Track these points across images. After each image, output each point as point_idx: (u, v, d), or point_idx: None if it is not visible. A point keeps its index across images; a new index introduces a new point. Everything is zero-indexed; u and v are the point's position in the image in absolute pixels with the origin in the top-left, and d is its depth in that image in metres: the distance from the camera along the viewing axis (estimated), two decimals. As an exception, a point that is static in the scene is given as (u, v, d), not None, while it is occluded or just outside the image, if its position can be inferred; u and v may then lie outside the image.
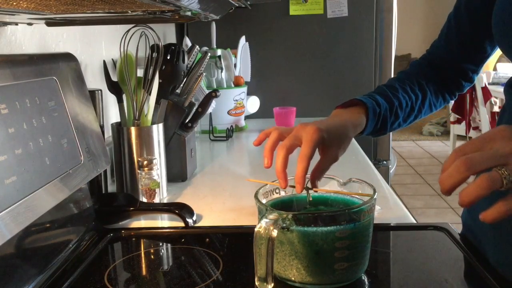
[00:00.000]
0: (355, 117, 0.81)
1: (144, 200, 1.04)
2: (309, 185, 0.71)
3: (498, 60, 5.76)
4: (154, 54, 1.10)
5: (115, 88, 1.14)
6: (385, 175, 2.21)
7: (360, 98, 0.84)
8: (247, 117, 2.12)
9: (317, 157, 0.72)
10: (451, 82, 0.96)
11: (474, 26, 0.88)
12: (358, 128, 0.82)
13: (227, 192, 1.18)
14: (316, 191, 0.73)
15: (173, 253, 0.84)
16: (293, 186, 0.69)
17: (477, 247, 0.79)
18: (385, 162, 2.28)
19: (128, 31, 1.04)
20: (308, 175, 0.70)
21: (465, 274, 0.74)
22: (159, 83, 1.15)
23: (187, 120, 1.29)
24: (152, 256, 0.83)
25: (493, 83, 4.60)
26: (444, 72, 0.95)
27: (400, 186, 4.27)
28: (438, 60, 0.96)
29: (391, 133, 2.29)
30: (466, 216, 0.87)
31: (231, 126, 1.89)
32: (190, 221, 0.95)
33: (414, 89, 0.92)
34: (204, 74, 1.42)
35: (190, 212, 0.97)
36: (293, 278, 0.66)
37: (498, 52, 0.91)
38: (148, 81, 1.10)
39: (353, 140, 1.75)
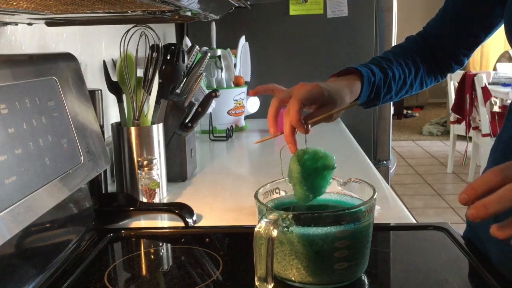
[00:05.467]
0: (351, 83, 0.82)
1: (144, 200, 1.04)
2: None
3: (498, 60, 5.76)
4: (154, 54, 1.10)
5: (115, 88, 1.14)
6: (385, 175, 2.21)
7: (356, 67, 0.86)
8: (247, 117, 2.12)
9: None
10: (442, 63, 0.98)
11: (470, 12, 0.89)
12: (354, 95, 0.83)
13: (227, 192, 1.18)
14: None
15: (173, 253, 0.84)
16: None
17: (479, 247, 0.79)
18: (385, 162, 2.28)
19: (128, 31, 1.04)
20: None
21: (465, 274, 0.74)
22: (159, 83, 1.14)
23: (187, 120, 1.29)
24: (152, 256, 0.83)
25: (493, 83, 4.60)
26: (437, 53, 0.96)
27: (400, 186, 4.27)
28: (432, 39, 0.97)
29: (391, 133, 2.29)
30: None
31: (231, 126, 1.89)
32: (190, 221, 0.95)
33: (408, 63, 0.93)
34: (204, 74, 1.42)
35: (190, 212, 0.97)
36: (293, 278, 0.66)
37: (498, 52, 0.92)
38: (148, 81, 1.10)
39: (353, 140, 1.76)
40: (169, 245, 0.87)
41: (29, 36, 0.97)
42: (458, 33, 0.93)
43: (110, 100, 1.35)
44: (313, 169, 0.69)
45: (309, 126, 0.72)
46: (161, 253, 0.85)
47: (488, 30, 0.90)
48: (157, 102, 1.14)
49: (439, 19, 0.95)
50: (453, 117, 4.56)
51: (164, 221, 1.00)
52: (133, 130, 1.08)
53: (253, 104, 2.08)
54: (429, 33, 0.97)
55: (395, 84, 0.90)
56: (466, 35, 0.92)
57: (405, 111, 7.52)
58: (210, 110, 1.75)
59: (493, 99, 4.11)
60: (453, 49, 0.95)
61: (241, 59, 2.08)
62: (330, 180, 0.71)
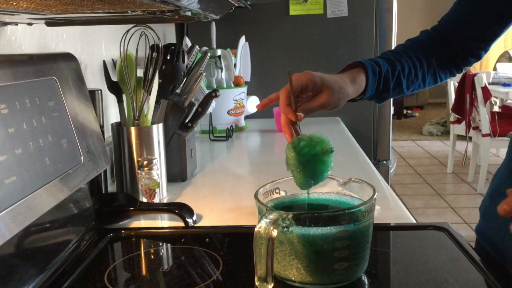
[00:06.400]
0: (353, 74, 0.83)
1: (144, 200, 1.04)
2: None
3: (498, 60, 5.76)
4: (154, 54, 1.10)
5: (115, 88, 1.14)
6: (385, 175, 2.21)
7: (359, 60, 0.86)
8: (247, 117, 2.12)
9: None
10: (458, 56, 0.96)
11: (485, 4, 0.87)
12: (357, 85, 0.82)
13: (227, 192, 1.18)
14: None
15: (173, 253, 0.84)
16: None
17: (491, 243, 0.78)
18: (385, 162, 2.28)
19: (128, 31, 1.04)
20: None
21: (465, 274, 0.74)
22: (159, 83, 1.14)
23: (187, 120, 1.29)
24: (152, 256, 0.83)
25: (493, 83, 4.60)
26: (452, 46, 0.95)
27: (400, 186, 4.27)
28: (447, 32, 0.95)
29: (391, 133, 2.29)
30: (487, 206, 0.84)
31: (231, 126, 1.89)
32: (190, 221, 0.95)
33: (419, 57, 0.92)
34: (204, 74, 1.42)
35: (190, 212, 0.97)
36: (293, 278, 0.66)
37: (498, 52, 0.91)
38: (148, 81, 1.10)
39: (353, 140, 1.76)
40: (169, 245, 0.87)
41: (29, 36, 0.97)
42: (473, 25, 0.91)
43: (110, 100, 1.35)
44: (311, 156, 0.69)
45: (301, 114, 0.73)
46: (161, 253, 0.85)
47: (504, 22, 0.88)
48: (157, 102, 1.14)
49: (454, 12, 0.93)
50: (453, 117, 4.56)
51: (164, 221, 1.00)
52: (133, 130, 1.08)
53: (253, 104, 2.08)
54: (444, 26, 0.96)
55: (404, 76, 0.89)
56: (482, 26, 0.90)
57: (405, 111, 7.52)
58: (210, 110, 1.75)
59: (493, 99, 4.11)
60: (469, 42, 0.93)
61: (241, 59, 2.08)
62: (332, 164, 0.71)
